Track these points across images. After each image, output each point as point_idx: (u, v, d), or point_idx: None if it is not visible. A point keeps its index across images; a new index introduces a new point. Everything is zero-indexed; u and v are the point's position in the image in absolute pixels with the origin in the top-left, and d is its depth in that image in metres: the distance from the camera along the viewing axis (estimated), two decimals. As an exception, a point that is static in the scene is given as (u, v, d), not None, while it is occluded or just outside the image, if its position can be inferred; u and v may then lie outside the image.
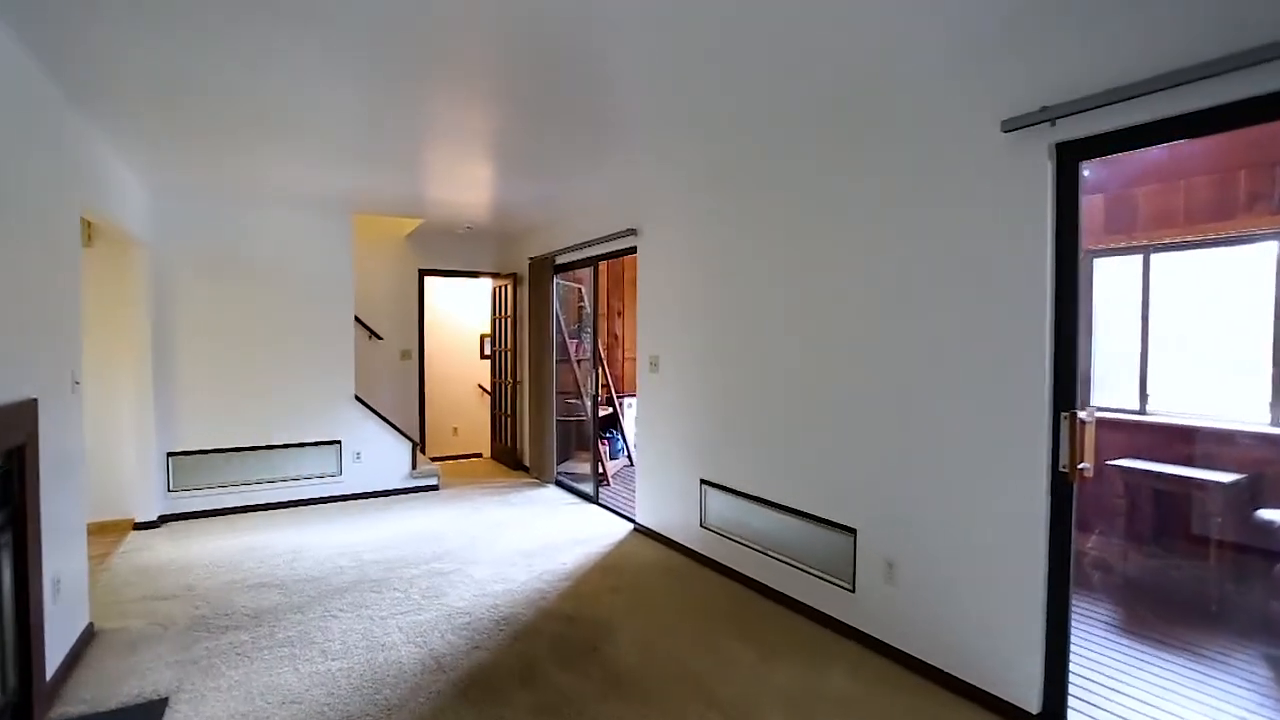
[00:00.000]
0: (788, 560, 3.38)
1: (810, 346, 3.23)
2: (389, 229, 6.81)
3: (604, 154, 3.89)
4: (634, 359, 8.68)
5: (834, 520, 3.11)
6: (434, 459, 7.78)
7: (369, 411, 5.66)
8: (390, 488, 5.75)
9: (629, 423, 7.68)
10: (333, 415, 5.48)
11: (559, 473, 6.28)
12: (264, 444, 5.23)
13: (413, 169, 4.22)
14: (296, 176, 4.38)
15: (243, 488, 5.16)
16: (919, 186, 2.68)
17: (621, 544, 4.41)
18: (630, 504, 5.35)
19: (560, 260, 5.92)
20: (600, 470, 5.74)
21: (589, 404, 6.83)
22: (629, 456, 7.55)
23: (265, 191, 4.80)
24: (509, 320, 7.06)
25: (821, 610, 3.18)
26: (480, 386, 8.39)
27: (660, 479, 4.46)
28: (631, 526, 4.79)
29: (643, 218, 4.58)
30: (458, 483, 6.28)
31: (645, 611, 3.31)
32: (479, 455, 8.33)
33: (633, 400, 7.89)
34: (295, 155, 3.91)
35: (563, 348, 6.58)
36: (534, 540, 4.47)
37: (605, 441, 6.79)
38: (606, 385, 7.06)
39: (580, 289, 7.47)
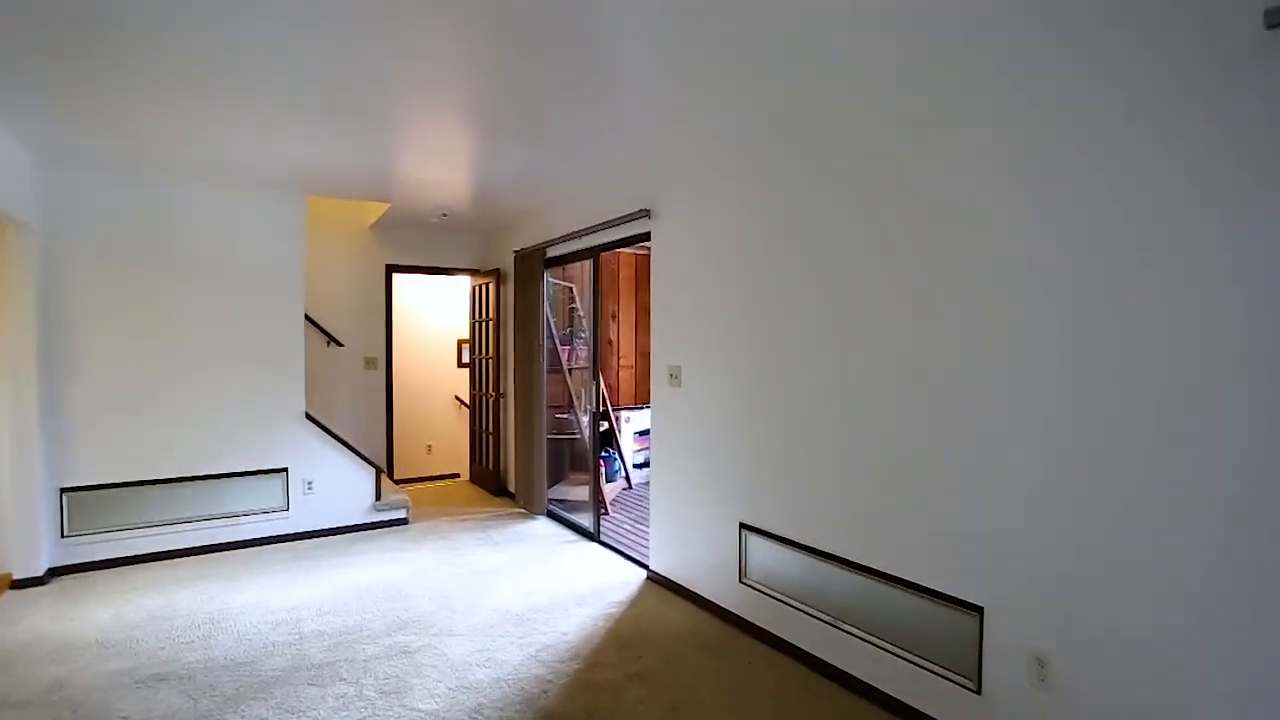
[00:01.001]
0: (873, 639, 2.53)
1: (904, 351, 2.40)
2: (350, 217, 5.87)
3: (612, 108, 3.04)
4: (631, 366, 7.82)
5: (946, 592, 2.27)
6: (404, 482, 6.84)
7: (323, 432, 4.71)
8: (349, 523, 4.80)
9: (626, 440, 6.83)
10: (278, 437, 4.53)
11: (550, 500, 5.38)
12: (189, 474, 4.25)
13: (379, 133, 3.33)
14: (235, 143, 3.46)
15: (161, 529, 4.17)
16: (1095, 119, 1.86)
17: (636, 601, 3.53)
18: (638, 542, 4.48)
19: (552, 252, 5.04)
20: (599, 498, 4.86)
21: (585, 420, 5.95)
22: (627, 478, 6.68)
23: (195, 163, 3.86)
24: (490, 323, 6.16)
25: (930, 715, 2.33)
26: (458, 399, 7.47)
27: (682, 518, 3.60)
28: (644, 575, 3.91)
29: (660, 195, 3.73)
30: (431, 514, 5.35)
31: (687, 714, 2.43)
32: (456, 476, 7.40)
33: (630, 414, 7.04)
34: (233, 114, 3.02)
35: (553, 355, 5.70)
36: (526, 597, 3.57)
37: (602, 462, 5.92)
38: (602, 398, 6.19)
39: (571, 288, 6.61)
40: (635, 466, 6.90)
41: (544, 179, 4.31)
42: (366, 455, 4.95)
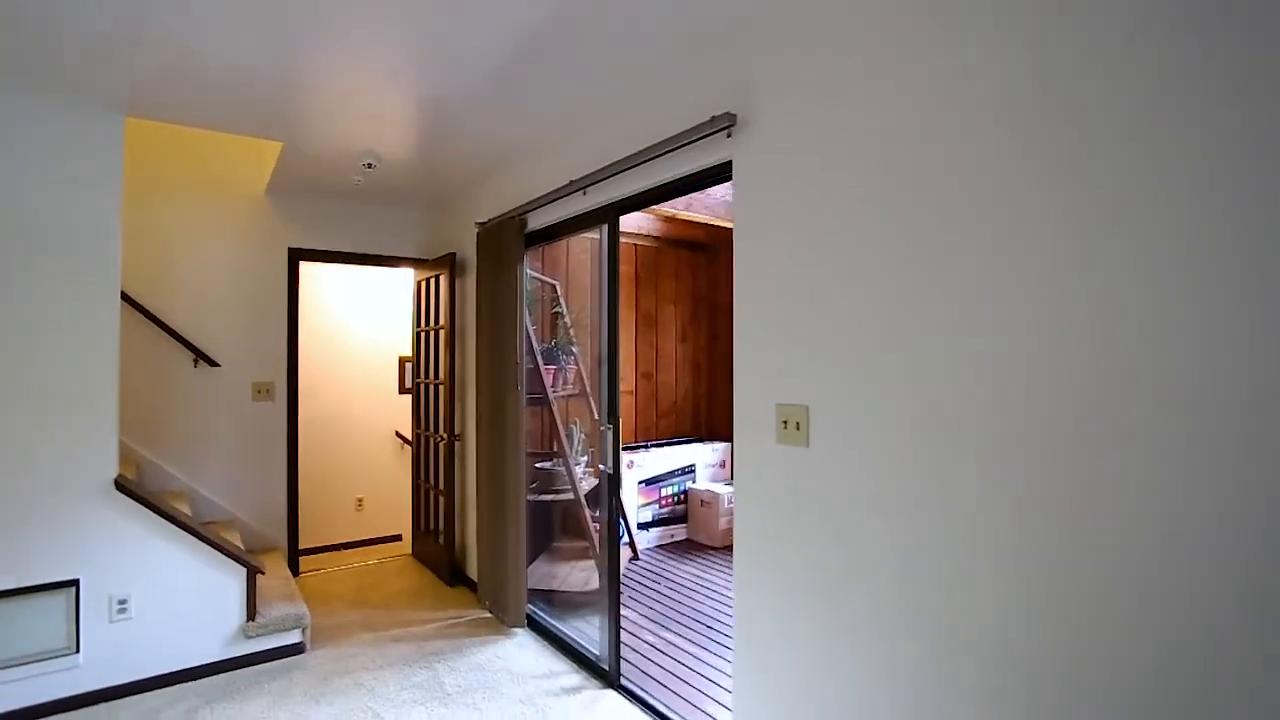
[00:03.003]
0: None
1: None
2: (230, 173, 3.99)
3: None
4: (631, 391, 6.00)
5: None
6: (318, 552, 4.93)
7: (152, 512, 2.79)
8: (198, 663, 2.88)
9: (629, 491, 5.08)
10: (60, 527, 2.60)
11: (531, 594, 3.55)
12: None
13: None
14: None
15: None
16: None
17: None
18: (678, 676, 2.73)
19: (537, 222, 3.28)
20: (614, 604, 3.06)
21: (579, 469, 4.18)
22: (632, 545, 4.93)
23: None
24: (441, 333, 4.34)
25: None
26: (400, 436, 5.61)
27: (811, 694, 1.86)
28: (723, 785, 2.16)
29: (763, 84, 2.01)
30: (346, 627, 3.46)
31: None
32: (398, 539, 5.52)
33: (631, 457, 5.27)
34: None
35: (533, 377, 3.93)
36: None
37: (597, 524, 4.15)
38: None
39: (555, 285, 4.86)
40: (640, 527, 5.15)
41: (537, 82, 2.56)
42: (231, 546, 3.03)
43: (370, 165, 3.50)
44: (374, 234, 4.52)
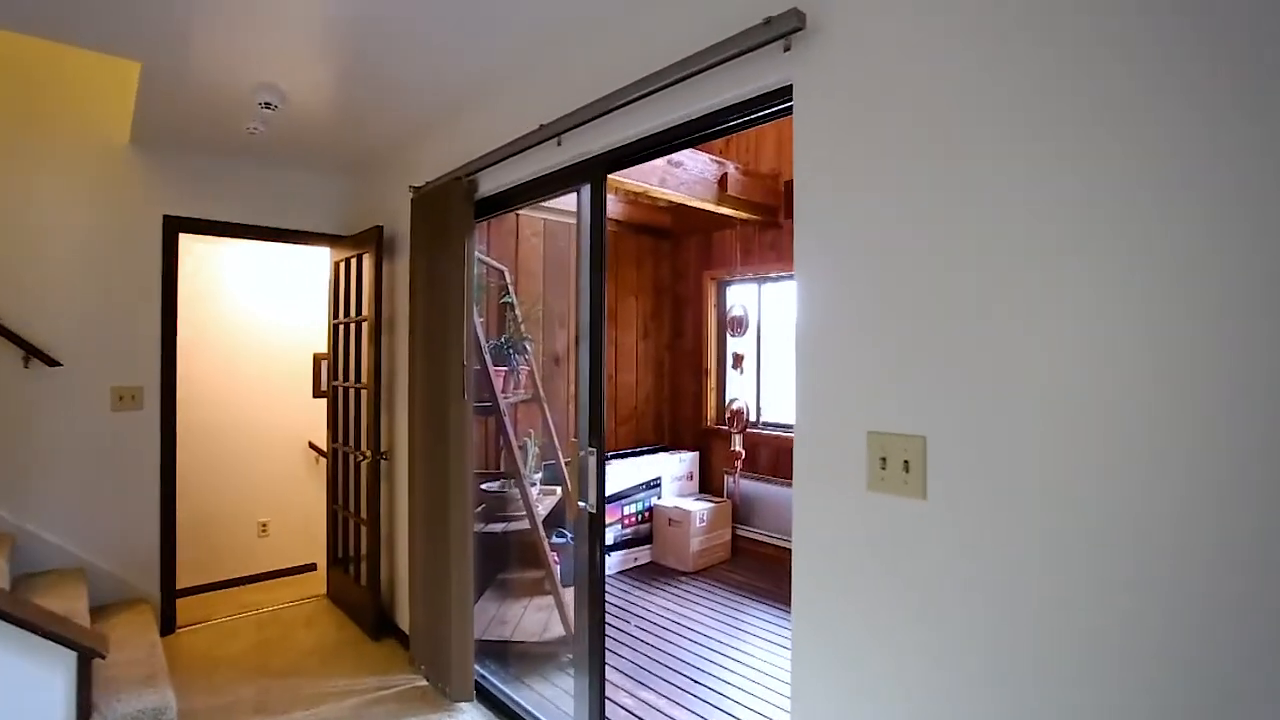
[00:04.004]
0: None
1: None
2: (79, 110, 3.07)
3: None
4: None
5: None
6: (203, 591, 4.00)
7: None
8: (0, 791, 2.03)
9: (590, 510, 4.39)
10: None
11: (479, 648, 2.82)
12: None
13: None
14: None
15: None
16: None
17: None
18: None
19: (491, 185, 2.55)
20: (596, 682, 2.38)
21: (535, 491, 3.49)
22: (594, 574, 4.24)
23: None
24: (364, 325, 3.52)
25: None
26: (314, 447, 4.72)
27: None
28: None
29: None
30: (233, 710, 2.63)
31: None
32: (311, 569, 4.64)
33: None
34: None
35: (483, 382, 3.20)
36: None
37: (556, 554, 3.48)
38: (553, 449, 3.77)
39: (503, 271, 4.12)
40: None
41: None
42: (53, 621, 2.15)
43: (270, 105, 2.67)
44: (280, 202, 3.65)
